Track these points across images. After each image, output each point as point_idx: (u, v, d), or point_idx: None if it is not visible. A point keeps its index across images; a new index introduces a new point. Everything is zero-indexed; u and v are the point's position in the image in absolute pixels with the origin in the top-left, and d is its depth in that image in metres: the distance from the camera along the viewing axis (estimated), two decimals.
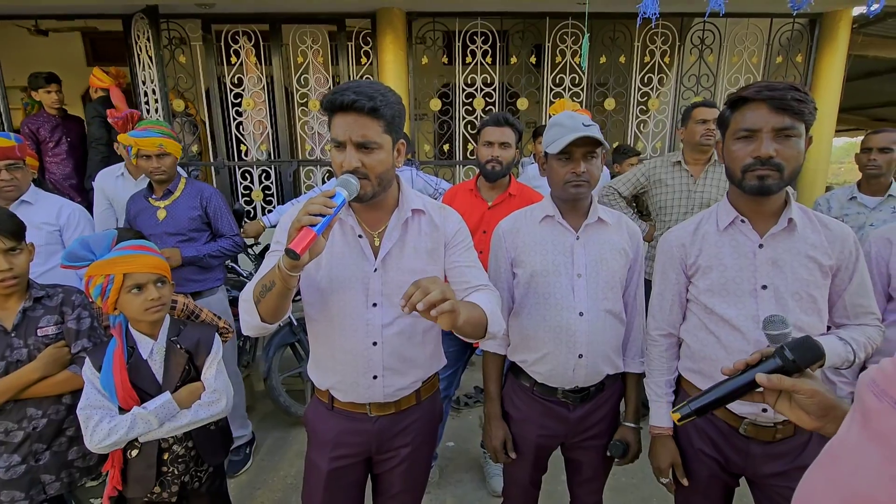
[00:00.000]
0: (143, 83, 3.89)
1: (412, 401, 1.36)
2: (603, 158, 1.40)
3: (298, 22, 4.05)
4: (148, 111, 3.93)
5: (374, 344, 1.25)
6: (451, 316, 0.94)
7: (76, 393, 1.49)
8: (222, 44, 4.06)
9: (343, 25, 4.12)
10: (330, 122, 1.15)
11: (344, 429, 1.34)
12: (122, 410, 1.42)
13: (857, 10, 4.21)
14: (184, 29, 4.01)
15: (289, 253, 0.97)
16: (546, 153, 1.39)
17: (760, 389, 0.79)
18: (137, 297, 1.41)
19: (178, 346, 1.50)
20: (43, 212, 2.18)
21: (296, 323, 3.05)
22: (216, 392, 1.51)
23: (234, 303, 2.88)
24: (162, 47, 3.82)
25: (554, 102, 3.75)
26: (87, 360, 1.44)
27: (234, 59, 4.06)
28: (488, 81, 4.25)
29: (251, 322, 1.15)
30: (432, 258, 1.28)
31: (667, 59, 4.30)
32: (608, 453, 1.47)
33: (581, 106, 4.01)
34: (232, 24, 4.00)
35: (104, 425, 1.36)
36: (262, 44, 4.11)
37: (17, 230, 1.48)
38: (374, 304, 1.24)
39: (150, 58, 3.77)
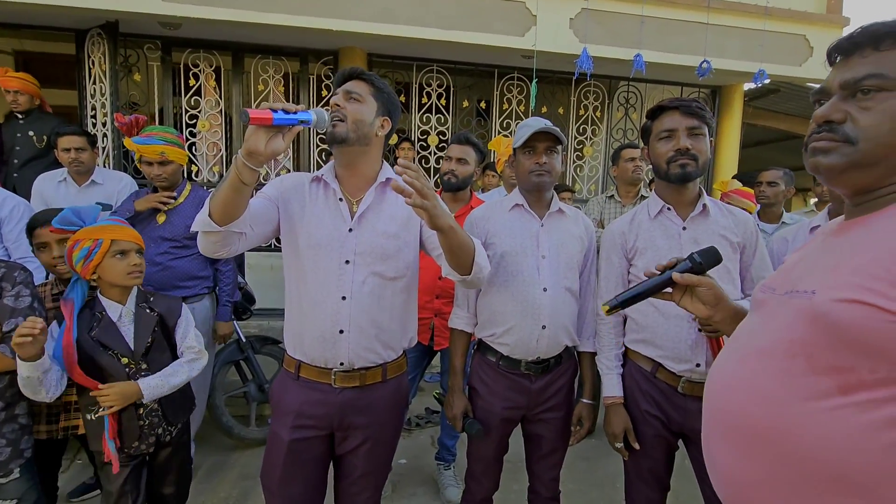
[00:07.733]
0: (93, 96, 3.81)
1: (377, 377, 1.39)
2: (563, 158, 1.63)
3: (262, 53, 4.19)
4: (94, 125, 3.83)
5: (344, 298, 1.32)
6: (425, 213, 1.09)
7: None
8: (181, 66, 4.09)
9: (306, 60, 4.30)
10: None
11: (308, 399, 1.36)
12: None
13: (748, 85, 5.05)
14: (142, 49, 4.02)
15: (242, 115, 1.07)
16: (514, 150, 1.60)
17: (670, 290, 1.02)
18: (121, 261, 1.50)
19: (149, 309, 1.57)
20: None
21: (244, 340, 2.97)
22: (195, 349, 1.62)
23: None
24: (118, 64, 3.79)
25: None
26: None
27: (192, 82, 4.09)
28: (442, 121, 4.58)
29: (199, 216, 1.16)
30: (407, 226, 1.40)
31: (598, 114, 4.88)
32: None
33: None
34: (193, 49, 4.07)
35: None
36: (222, 69, 4.19)
37: None
38: (347, 262, 1.33)
39: (104, 73, 3.72)
